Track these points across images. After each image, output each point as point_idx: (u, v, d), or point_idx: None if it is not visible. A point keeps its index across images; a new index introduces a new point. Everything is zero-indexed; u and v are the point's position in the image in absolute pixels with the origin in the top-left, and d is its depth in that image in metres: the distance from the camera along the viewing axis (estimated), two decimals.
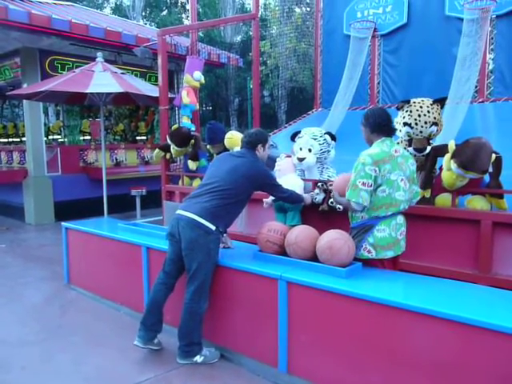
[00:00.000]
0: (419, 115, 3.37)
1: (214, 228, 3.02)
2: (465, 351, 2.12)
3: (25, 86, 8.11)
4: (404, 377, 2.31)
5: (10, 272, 5.43)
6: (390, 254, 2.87)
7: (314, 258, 2.92)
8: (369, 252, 2.87)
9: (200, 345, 3.16)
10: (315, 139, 3.88)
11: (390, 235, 2.84)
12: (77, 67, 7.68)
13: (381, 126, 2.91)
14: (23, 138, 9.40)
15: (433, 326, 2.20)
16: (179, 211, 3.14)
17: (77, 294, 4.63)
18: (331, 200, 3.61)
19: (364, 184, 2.74)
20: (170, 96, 6.14)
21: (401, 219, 2.92)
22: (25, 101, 8.25)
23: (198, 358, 3.12)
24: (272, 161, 4.29)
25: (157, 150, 5.61)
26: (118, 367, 3.14)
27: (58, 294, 4.64)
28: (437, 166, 3.45)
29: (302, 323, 2.74)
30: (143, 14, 23.64)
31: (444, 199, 3.33)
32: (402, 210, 2.91)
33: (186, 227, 3.04)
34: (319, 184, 3.80)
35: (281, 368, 2.83)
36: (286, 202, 3.57)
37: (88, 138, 10.30)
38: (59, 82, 6.34)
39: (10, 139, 10.62)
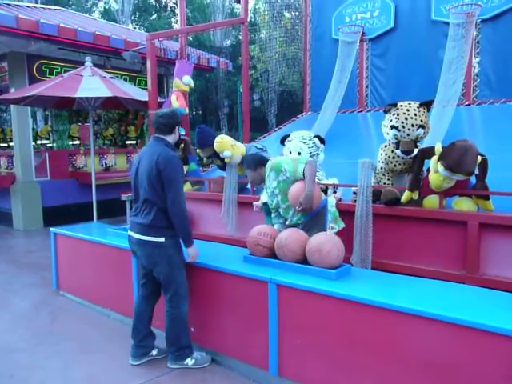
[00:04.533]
0: (406, 118, 3.41)
1: (163, 239, 2.99)
2: (455, 352, 2.13)
3: (12, 90, 8.04)
4: (395, 378, 2.32)
5: None
6: (341, 225, 3.31)
7: (303, 260, 2.93)
8: (332, 228, 3.22)
9: (190, 348, 3.16)
10: (304, 142, 3.90)
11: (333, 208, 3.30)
12: (65, 72, 7.64)
13: (261, 160, 3.48)
14: (11, 143, 9.32)
15: (423, 327, 2.22)
16: (128, 231, 3.16)
17: (66, 300, 4.59)
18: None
19: None
20: (159, 100, 6.13)
21: None
22: (12, 105, 8.18)
23: (189, 361, 3.12)
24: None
25: None
26: (109, 373, 3.12)
27: (47, 300, 4.60)
28: (424, 168, 3.49)
29: (292, 326, 2.74)
30: (132, 18, 23.60)
31: (431, 201, 3.36)
32: None
33: (139, 246, 3.07)
34: None
35: (272, 371, 2.83)
36: (174, 219, 2.98)
37: (77, 142, 10.24)
38: (47, 87, 6.30)
39: None
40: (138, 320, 3.23)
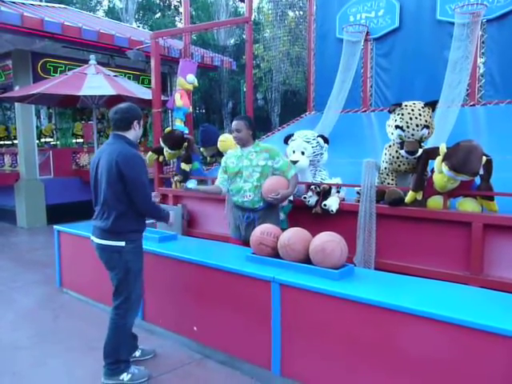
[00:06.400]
0: (411, 118, 3.39)
1: (123, 244, 2.83)
2: (458, 352, 2.13)
3: (17, 88, 8.06)
4: (398, 378, 2.32)
5: (1, 276, 5.38)
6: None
7: (306, 260, 2.92)
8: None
9: (127, 362, 2.98)
10: (308, 142, 3.90)
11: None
12: (69, 70, 7.67)
13: (254, 125, 3.60)
14: (15, 141, 9.35)
15: (426, 328, 2.21)
16: (91, 235, 3.01)
17: (69, 297, 4.60)
18: (324, 202, 3.64)
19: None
20: (163, 99, 6.13)
21: None
22: (17, 103, 8.21)
23: (125, 376, 2.93)
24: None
25: (150, 152, 5.60)
26: None
27: (50, 297, 4.61)
28: (428, 169, 3.48)
29: (295, 325, 2.74)
30: (136, 16, 23.64)
31: (436, 201, 3.35)
32: None
33: (98, 251, 2.94)
34: (312, 187, 3.82)
35: (274, 370, 2.83)
36: (147, 215, 2.99)
37: (80, 140, 10.26)
38: (52, 85, 6.33)
39: (2, 142, 10.55)
40: None
